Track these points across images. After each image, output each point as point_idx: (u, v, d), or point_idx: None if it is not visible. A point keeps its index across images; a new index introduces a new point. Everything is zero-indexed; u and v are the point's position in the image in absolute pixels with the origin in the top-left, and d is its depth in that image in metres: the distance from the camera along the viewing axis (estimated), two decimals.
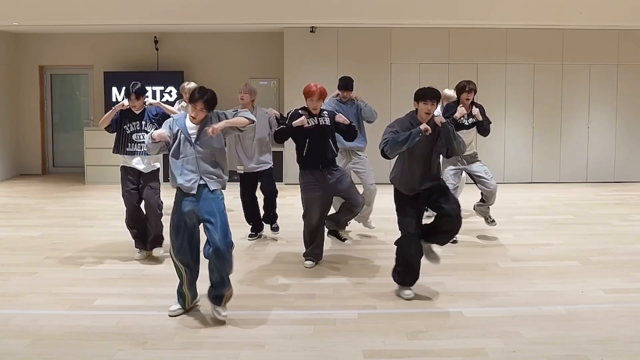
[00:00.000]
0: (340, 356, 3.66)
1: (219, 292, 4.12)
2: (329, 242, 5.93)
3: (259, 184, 6.27)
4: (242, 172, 6.18)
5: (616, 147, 9.94)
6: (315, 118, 5.31)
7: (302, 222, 5.45)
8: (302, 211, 5.38)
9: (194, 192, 4.08)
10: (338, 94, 6.28)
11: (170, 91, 10.02)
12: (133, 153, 5.56)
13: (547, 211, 7.57)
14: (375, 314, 4.33)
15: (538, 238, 6.31)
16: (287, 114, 5.51)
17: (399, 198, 4.60)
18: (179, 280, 4.30)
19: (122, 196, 5.61)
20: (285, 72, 9.74)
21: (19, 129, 10.63)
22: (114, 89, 9.98)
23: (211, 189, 4.11)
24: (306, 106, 5.34)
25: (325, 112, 5.40)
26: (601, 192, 9.13)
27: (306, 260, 5.42)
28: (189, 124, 4.16)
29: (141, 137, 5.53)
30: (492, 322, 4.14)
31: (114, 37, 10.30)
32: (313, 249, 5.43)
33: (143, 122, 5.61)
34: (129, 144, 5.56)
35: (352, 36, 9.62)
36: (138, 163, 5.55)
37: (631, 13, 8.51)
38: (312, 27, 9.52)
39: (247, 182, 6.25)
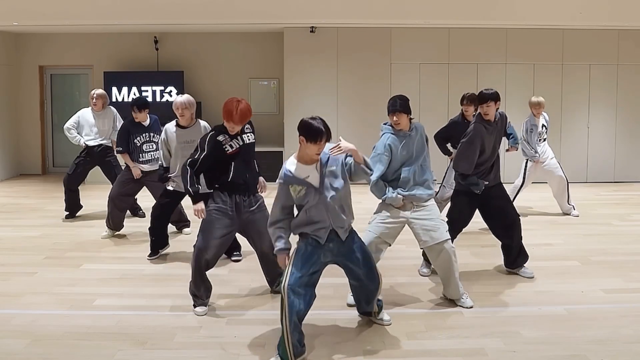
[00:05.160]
0: (340, 356, 3.66)
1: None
2: None
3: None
4: (171, 189, 5.51)
5: (616, 147, 9.94)
6: (238, 137, 4.37)
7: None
8: (197, 241, 4.34)
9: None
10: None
11: (170, 91, 10.03)
12: (146, 162, 6.27)
13: (547, 211, 7.57)
14: None
15: (538, 238, 6.31)
16: (206, 141, 4.33)
17: (458, 198, 4.97)
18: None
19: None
20: (285, 72, 9.74)
21: (19, 129, 10.62)
22: (114, 89, 9.98)
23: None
24: (225, 127, 4.33)
25: (247, 125, 4.46)
26: (601, 192, 9.12)
27: (197, 306, 4.34)
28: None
29: (150, 147, 6.27)
30: (492, 322, 4.14)
31: (114, 37, 10.30)
32: (204, 290, 4.39)
33: (151, 134, 6.27)
34: (141, 155, 6.26)
35: (352, 36, 9.62)
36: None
37: (631, 13, 8.51)
38: (312, 27, 9.52)
39: (171, 202, 5.64)
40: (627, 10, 8.47)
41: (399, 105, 4.31)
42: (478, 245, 6.04)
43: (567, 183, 7.32)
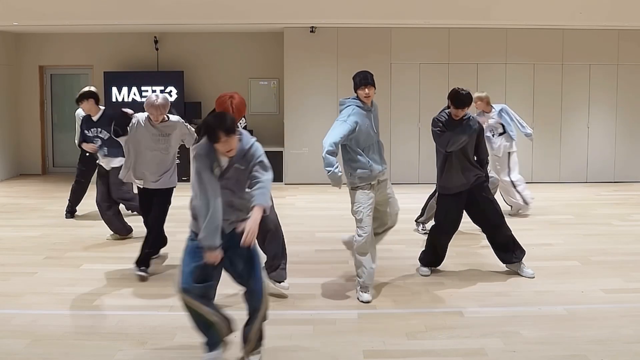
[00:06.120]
0: (340, 356, 3.66)
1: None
2: (329, 242, 5.94)
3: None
4: (141, 186, 5.27)
5: (616, 147, 9.94)
6: None
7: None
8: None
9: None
10: None
11: (170, 91, 10.03)
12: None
13: (547, 211, 7.57)
14: (375, 314, 4.33)
15: (538, 238, 6.31)
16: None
17: (443, 197, 5.03)
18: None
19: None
20: (285, 72, 9.74)
21: (19, 129, 10.62)
22: (114, 89, 9.99)
23: None
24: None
25: (242, 120, 4.26)
26: (601, 192, 9.12)
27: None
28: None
29: (97, 142, 6.09)
30: (492, 322, 4.14)
31: (114, 37, 10.30)
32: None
33: (99, 129, 6.07)
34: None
35: (352, 36, 9.62)
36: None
37: (631, 13, 8.51)
38: (312, 27, 9.52)
39: (145, 202, 5.34)
40: (627, 10, 8.47)
41: (370, 79, 4.51)
42: (478, 245, 6.03)
43: (497, 184, 7.05)
